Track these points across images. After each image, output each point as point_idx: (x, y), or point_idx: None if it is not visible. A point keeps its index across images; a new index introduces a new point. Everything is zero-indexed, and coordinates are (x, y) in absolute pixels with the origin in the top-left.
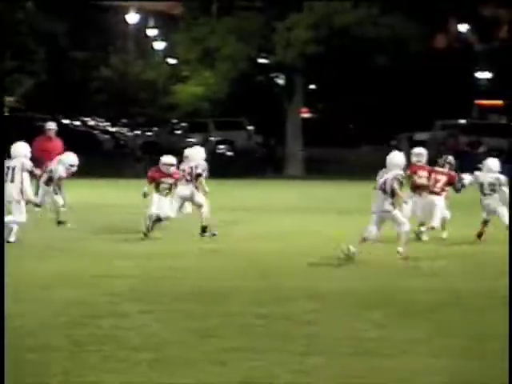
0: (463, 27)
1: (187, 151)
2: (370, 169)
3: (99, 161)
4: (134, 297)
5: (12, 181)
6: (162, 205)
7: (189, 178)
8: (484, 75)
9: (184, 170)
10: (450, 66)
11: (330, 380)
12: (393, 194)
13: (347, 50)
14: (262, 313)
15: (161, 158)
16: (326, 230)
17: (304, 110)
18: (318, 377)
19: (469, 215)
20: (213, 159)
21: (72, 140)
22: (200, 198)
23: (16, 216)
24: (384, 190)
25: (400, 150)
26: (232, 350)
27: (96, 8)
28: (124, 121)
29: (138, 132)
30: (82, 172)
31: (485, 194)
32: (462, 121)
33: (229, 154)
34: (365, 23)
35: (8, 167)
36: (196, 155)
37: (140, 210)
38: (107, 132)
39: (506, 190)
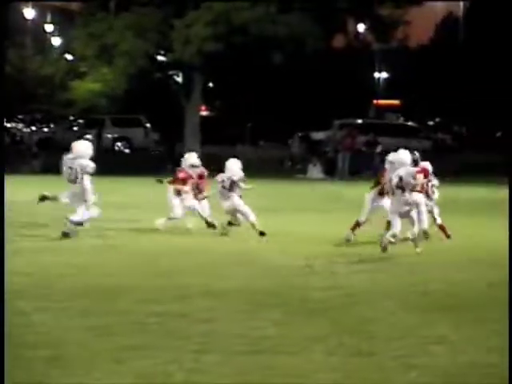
0: (361, 27)
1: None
2: (267, 166)
3: None
4: (28, 294)
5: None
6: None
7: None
8: (381, 75)
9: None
10: (348, 66)
11: (225, 378)
12: (412, 188)
13: (245, 48)
14: (157, 310)
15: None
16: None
17: (202, 107)
18: (214, 375)
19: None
20: (109, 156)
21: None
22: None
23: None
24: (402, 188)
25: (294, 148)
26: (127, 349)
27: None
28: (20, 117)
29: (35, 128)
30: None
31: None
32: (360, 120)
33: (126, 151)
34: (263, 21)
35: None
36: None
37: (35, 206)
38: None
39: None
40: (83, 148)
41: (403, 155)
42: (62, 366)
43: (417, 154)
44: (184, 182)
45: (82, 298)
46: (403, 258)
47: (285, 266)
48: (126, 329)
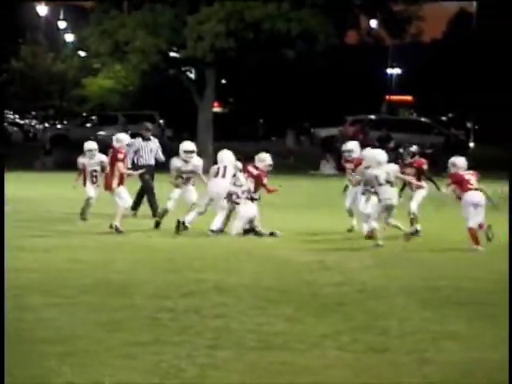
0: (374, 23)
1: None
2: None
3: (8, 153)
4: (38, 290)
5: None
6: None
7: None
8: (394, 71)
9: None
10: (360, 62)
11: (238, 374)
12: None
13: (258, 45)
14: (169, 306)
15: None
16: None
17: (215, 104)
18: (227, 370)
19: None
20: None
21: None
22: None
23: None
24: (391, 182)
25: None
26: (139, 344)
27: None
28: (34, 113)
29: (48, 125)
30: None
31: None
32: (372, 116)
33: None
34: (275, 17)
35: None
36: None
37: (47, 202)
38: (16, 124)
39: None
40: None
41: (379, 155)
42: (73, 362)
43: (413, 147)
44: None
45: (92, 293)
46: (415, 254)
47: (297, 261)
48: (137, 324)
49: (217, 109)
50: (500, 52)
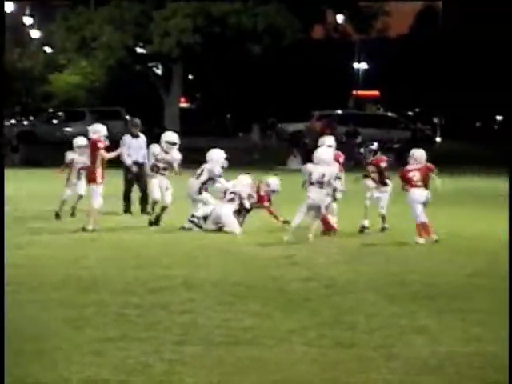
0: (341, 18)
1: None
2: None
3: None
4: (8, 287)
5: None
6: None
7: None
8: (361, 66)
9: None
10: (327, 57)
11: (206, 369)
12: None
13: (224, 40)
14: (136, 302)
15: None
16: None
17: (182, 99)
18: (194, 366)
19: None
20: None
21: None
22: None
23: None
24: (321, 183)
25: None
26: (106, 340)
27: None
28: None
29: (14, 121)
30: None
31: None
32: (339, 111)
33: (106, 143)
34: (242, 13)
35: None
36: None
37: (16, 199)
38: None
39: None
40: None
41: (325, 154)
42: (42, 359)
43: (374, 145)
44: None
45: (61, 290)
46: (383, 249)
47: (265, 257)
48: (105, 320)
49: (184, 104)
50: (465, 47)
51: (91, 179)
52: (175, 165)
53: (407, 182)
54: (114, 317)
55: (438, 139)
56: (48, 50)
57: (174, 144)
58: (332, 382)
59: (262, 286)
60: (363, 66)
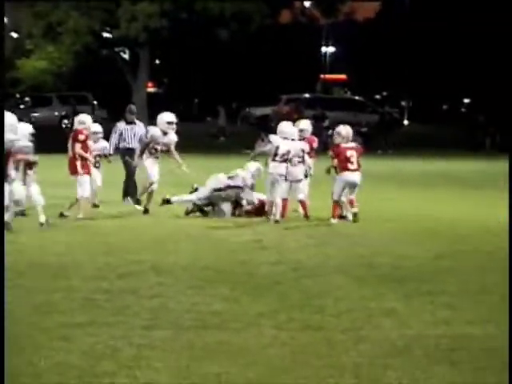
0: (308, 2)
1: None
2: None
3: None
4: None
5: None
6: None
7: None
8: (328, 49)
9: None
10: (295, 41)
11: (175, 353)
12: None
13: (192, 25)
14: (105, 287)
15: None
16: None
17: (149, 84)
18: (163, 350)
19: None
20: (56, 134)
21: None
22: None
23: None
24: (285, 160)
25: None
26: (75, 326)
27: None
28: None
29: None
30: None
31: None
32: (307, 95)
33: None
34: None
35: None
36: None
37: None
38: None
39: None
40: None
41: (287, 127)
42: (10, 345)
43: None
44: None
45: (28, 276)
46: (352, 232)
47: (234, 241)
48: (73, 306)
49: (151, 89)
50: (432, 31)
51: (72, 171)
52: (172, 148)
53: (344, 161)
54: (83, 302)
55: (405, 122)
56: (14, 35)
57: (172, 123)
58: (301, 365)
59: (231, 270)
60: (331, 49)
